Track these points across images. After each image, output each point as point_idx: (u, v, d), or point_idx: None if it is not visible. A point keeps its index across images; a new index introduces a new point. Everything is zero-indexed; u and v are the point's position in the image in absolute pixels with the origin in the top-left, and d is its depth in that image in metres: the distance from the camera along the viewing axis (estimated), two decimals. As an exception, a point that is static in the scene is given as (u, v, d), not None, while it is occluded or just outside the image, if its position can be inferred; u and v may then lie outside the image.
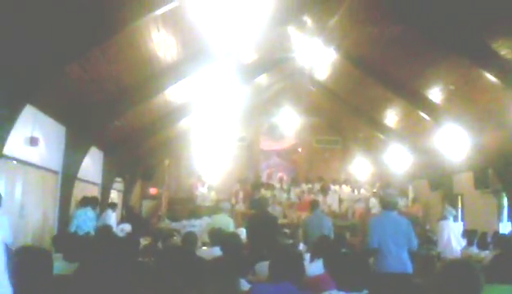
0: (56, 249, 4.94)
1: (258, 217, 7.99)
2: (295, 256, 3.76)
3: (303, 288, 3.51)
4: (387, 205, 5.92)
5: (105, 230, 7.61)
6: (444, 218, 8.64)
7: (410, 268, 5.58)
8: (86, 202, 9.34)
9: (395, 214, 5.91)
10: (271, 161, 17.70)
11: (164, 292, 3.29)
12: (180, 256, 3.99)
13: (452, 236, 8.22)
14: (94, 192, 11.21)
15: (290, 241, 8.16)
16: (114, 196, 13.49)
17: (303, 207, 14.25)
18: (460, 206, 13.67)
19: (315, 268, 4.62)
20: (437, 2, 7.75)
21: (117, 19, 6.28)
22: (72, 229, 8.66)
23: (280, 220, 13.16)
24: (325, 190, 15.29)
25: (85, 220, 8.88)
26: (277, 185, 16.08)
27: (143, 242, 8.00)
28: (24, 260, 2.66)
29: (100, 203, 10.68)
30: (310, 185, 15.89)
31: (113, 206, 11.11)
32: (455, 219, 9.28)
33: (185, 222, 9.37)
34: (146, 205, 16.17)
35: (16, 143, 7.05)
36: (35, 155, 7.88)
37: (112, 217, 10.55)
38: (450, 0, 7.50)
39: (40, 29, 5.63)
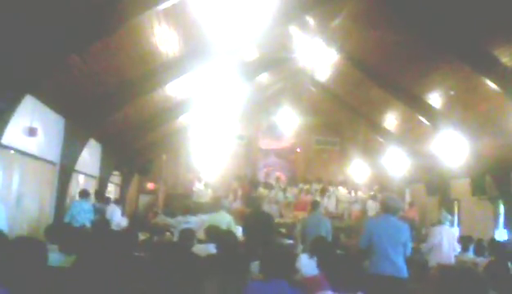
0: (47, 240, 4.90)
1: (254, 216, 8.02)
2: (286, 254, 3.77)
3: (298, 288, 3.51)
4: (388, 209, 5.71)
5: (102, 223, 7.58)
6: (439, 223, 8.57)
7: (405, 273, 5.52)
8: (85, 194, 9.34)
9: (395, 219, 5.74)
10: (269, 160, 17.68)
11: (159, 287, 3.29)
12: (174, 251, 4.00)
13: (446, 241, 8.12)
14: (91, 184, 11.22)
15: (290, 241, 8.14)
16: (111, 189, 13.50)
17: (300, 207, 14.28)
18: (456, 212, 13.70)
19: (310, 268, 4.61)
20: (439, 8, 7.75)
21: (120, 12, 6.27)
22: (66, 219, 8.64)
23: (277, 220, 13.20)
24: (324, 192, 15.28)
25: (80, 212, 8.85)
26: (275, 184, 16.04)
27: (141, 237, 8.00)
28: (19, 251, 2.65)
29: (101, 197, 10.77)
30: (308, 186, 15.87)
31: (117, 201, 11.27)
32: (451, 224, 9.20)
33: (180, 218, 9.30)
34: (143, 200, 16.18)
35: (15, 133, 7.03)
36: (33, 145, 7.85)
37: (117, 212, 10.68)
38: (453, 7, 7.50)
39: (42, 19, 5.62)
